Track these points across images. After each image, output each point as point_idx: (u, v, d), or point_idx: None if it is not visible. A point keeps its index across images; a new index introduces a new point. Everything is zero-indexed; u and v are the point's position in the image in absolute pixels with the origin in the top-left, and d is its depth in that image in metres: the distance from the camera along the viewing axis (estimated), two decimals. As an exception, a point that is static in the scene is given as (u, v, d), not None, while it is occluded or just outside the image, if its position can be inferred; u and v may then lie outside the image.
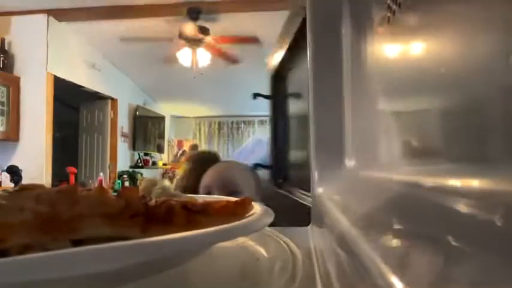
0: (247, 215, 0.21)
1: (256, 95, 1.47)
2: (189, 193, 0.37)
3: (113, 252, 0.12)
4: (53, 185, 2.84)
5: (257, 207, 0.22)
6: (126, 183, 4.35)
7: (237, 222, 0.18)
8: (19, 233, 0.13)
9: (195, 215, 0.18)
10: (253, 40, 3.51)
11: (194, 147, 6.41)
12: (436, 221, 0.14)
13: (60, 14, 3.26)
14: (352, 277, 0.19)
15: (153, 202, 0.18)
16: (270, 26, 3.35)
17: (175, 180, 1.13)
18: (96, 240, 0.15)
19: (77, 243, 0.15)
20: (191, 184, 1.00)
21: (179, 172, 1.12)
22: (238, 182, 0.96)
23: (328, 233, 0.29)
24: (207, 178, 0.98)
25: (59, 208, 0.15)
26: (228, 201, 0.20)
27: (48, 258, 0.11)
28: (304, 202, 0.86)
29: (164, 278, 0.22)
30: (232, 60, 3.83)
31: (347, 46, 0.45)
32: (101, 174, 4.24)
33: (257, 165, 1.42)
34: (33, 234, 0.14)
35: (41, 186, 0.16)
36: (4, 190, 0.16)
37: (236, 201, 0.21)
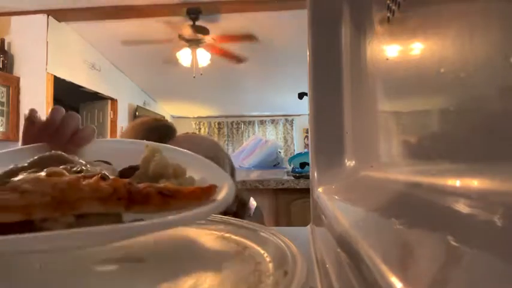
0: (212, 198, 0.26)
1: (301, 95, 1.28)
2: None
3: (98, 233, 0.20)
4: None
5: (221, 193, 0.27)
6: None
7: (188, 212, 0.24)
8: (40, 210, 0.21)
9: (167, 198, 0.24)
10: (251, 38, 3.49)
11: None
12: (436, 220, 0.14)
13: (60, 14, 3.26)
14: (352, 277, 0.19)
15: (136, 187, 0.24)
16: (269, 26, 3.36)
17: None
18: (93, 215, 0.23)
19: (79, 217, 0.22)
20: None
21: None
22: (214, 158, 0.78)
23: (328, 232, 0.29)
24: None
25: (66, 193, 0.22)
26: (196, 188, 0.26)
27: (55, 235, 0.20)
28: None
29: (164, 279, 0.22)
30: (237, 59, 3.77)
31: (347, 46, 0.45)
32: (101, 174, 4.23)
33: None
34: (49, 211, 0.21)
35: (61, 173, 0.24)
36: (31, 172, 0.25)
37: (203, 187, 0.27)
